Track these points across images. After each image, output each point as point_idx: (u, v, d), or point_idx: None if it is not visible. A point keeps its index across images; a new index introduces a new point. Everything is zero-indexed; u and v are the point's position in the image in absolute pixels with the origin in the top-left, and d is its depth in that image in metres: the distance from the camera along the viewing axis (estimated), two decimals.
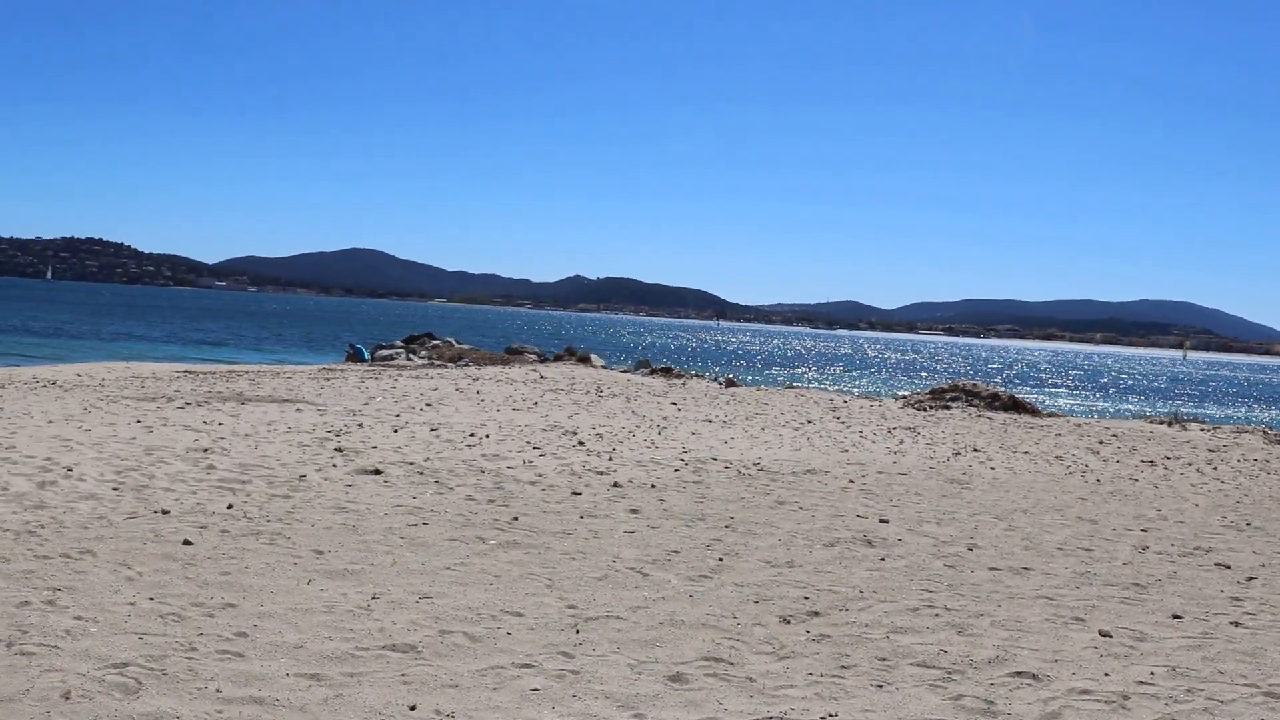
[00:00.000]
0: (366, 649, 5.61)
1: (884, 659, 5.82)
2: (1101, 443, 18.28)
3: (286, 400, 17.45)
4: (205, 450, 11.48)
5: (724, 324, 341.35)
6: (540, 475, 11.31)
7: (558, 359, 36.30)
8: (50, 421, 13.08)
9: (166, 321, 78.30)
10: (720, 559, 8.05)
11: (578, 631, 6.08)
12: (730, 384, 30.00)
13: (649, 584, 7.23)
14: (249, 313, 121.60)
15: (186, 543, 7.59)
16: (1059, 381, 70.79)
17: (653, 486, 11.07)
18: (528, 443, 13.59)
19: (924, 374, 64.86)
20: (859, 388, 42.02)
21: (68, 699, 4.74)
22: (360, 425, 14.34)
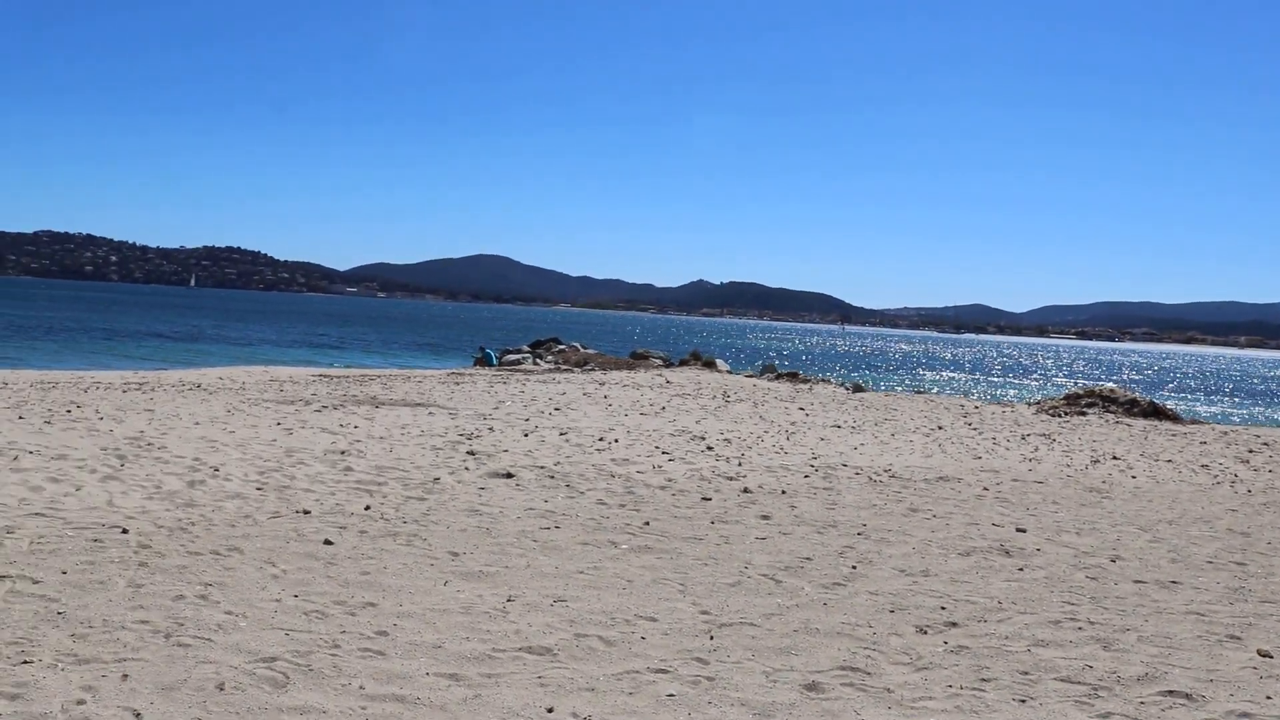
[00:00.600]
0: (503, 650, 5.67)
1: (1026, 673, 5.66)
2: (1251, 451, 17.51)
3: (419, 404, 17.81)
4: (342, 452, 11.79)
5: (849, 328, 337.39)
6: (670, 480, 11.32)
7: (683, 364, 36.34)
8: (197, 423, 13.59)
9: (299, 326, 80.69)
10: (853, 567, 7.93)
11: (712, 638, 6.05)
12: (857, 389, 29.64)
13: (782, 591, 7.17)
14: (378, 318, 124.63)
15: (327, 542, 7.78)
16: (1201, 386, 68.14)
17: (783, 492, 10.98)
18: (656, 447, 13.62)
19: (1058, 379, 63.11)
20: (989, 393, 41.09)
21: (222, 690, 4.90)
22: (491, 429, 14.55)
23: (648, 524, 9.08)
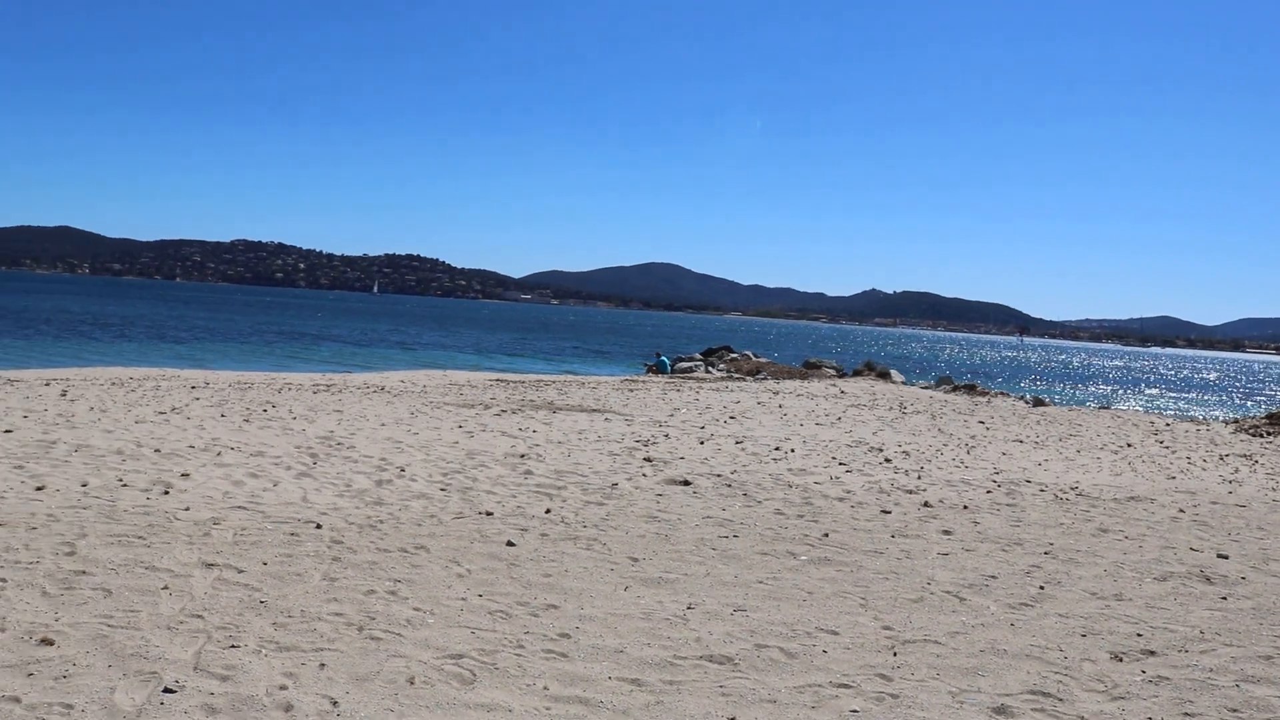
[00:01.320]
0: (684, 658, 5.67)
1: (1234, 709, 5.34)
2: None
3: (595, 410, 18.05)
4: (522, 456, 12.02)
5: (1028, 340, 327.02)
6: (848, 492, 11.16)
7: (857, 374, 35.87)
8: (383, 425, 14.08)
9: (474, 332, 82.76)
10: (1041, 587, 7.65)
11: (895, 654, 5.92)
12: (1038, 403, 28.70)
13: (966, 609, 6.96)
14: (549, 324, 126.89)
15: (509, 544, 7.94)
16: None
17: (964, 508, 10.69)
18: (833, 458, 13.46)
19: (1258, 396, 59.67)
20: (1181, 410, 39.17)
21: (412, 684, 5.04)
22: (666, 436, 14.63)
23: (826, 536, 8.96)
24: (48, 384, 17.62)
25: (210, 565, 6.84)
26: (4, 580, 6.26)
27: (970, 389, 31.92)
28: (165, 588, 6.29)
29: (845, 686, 5.34)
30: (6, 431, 11.59)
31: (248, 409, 15.04)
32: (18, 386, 16.81)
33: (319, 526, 8.06)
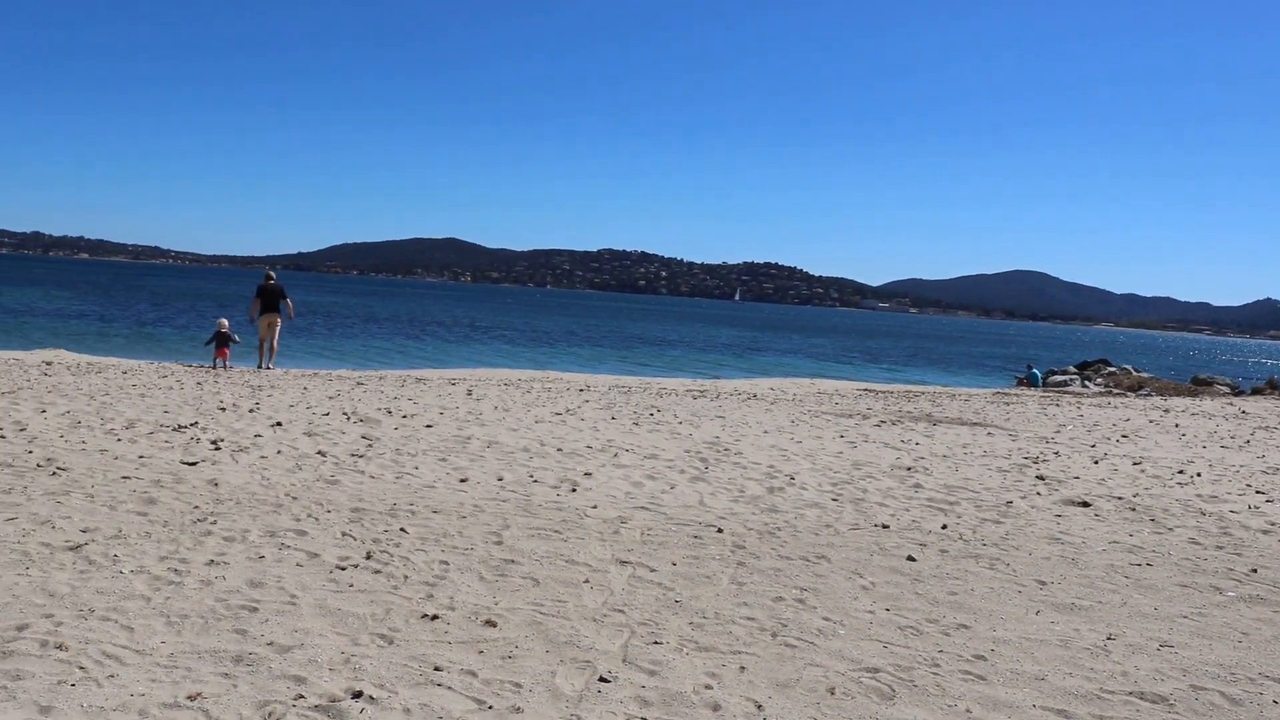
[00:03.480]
0: (1112, 692, 5.35)
1: None
2: None
3: (975, 423, 17.50)
4: (908, 469, 11.83)
5: None
6: (1272, 524, 10.15)
7: (1257, 392, 32.81)
8: (765, 432, 14.28)
9: (832, 340, 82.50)
10: None
11: None
12: None
13: None
14: (906, 334, 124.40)
15: (910, 559, 7.81)
16: None
17: None
18: (1248, 485, 12.31)
19: None
20: None
21: (832, 694, 5.04)
22: (1056, 454, 13.94)
23: (1254, 571, 8.20)
24: (453, 384, 19.18)
25: (624, 562, 7.16)
26: (447, 563, 6.85)
27: None
28: (586, 581, 6.65)
29: None
30: (428, 426, 12.71)
31: (635, 412, 15.70)
32: (429, 385, 18.40)
33: (720, 531, 8.26)
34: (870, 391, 25.72)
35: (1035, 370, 36.74)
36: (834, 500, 9.84)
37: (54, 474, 8.91)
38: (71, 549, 6.74)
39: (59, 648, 5.03)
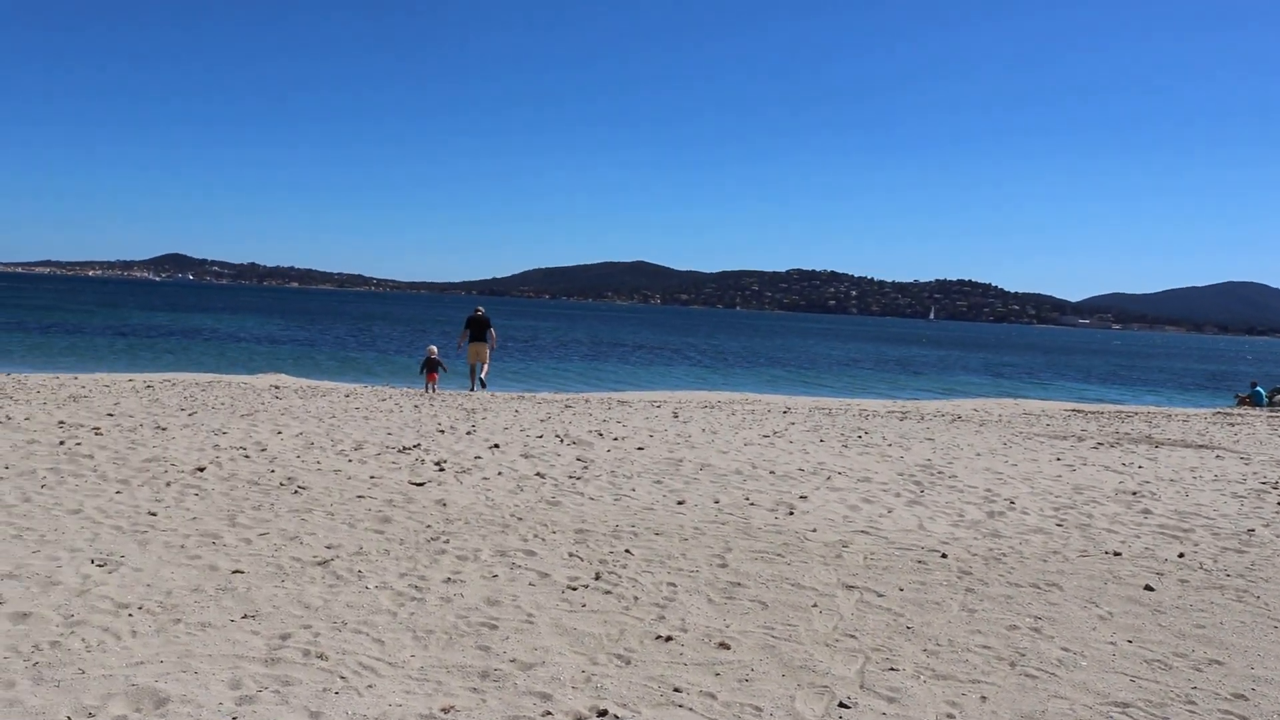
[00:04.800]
0: None
1: None
2: None
3: (1201, 446, 16.65)
4: (1133, 493, 11.35)
5: None
6: None
7: None
8: (978, 454, 13.95)
9: (1021, 357, 79.74)
10: None
11: None
12: None
13: None
14: (1102, 351, 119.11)
15: (1148, 588, 7.49)
16: None
17: None
18: None
19: None
20: None
21: None
22: None
23: None
24: (657, 406, 19.42)
25: (850, 587, 7.12)
26: (674, 585, 6.95)
27: None
28: (814, 605, 6.63)
29: None
30: (639, 449, 12.92)
31: (842, 434, 15.57)
32: (633, 408, 18.69)
33: (944, 556, 8.11)
34: (1079, 412, 24.78)
35: (1259, 389, 34.64)
36: (1058, 526, 9.53)
37: (295, 492, 9.44)
38: (319, 564, 7.13)
39: (319, 657, 5.33)
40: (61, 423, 13.12)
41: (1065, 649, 6.02)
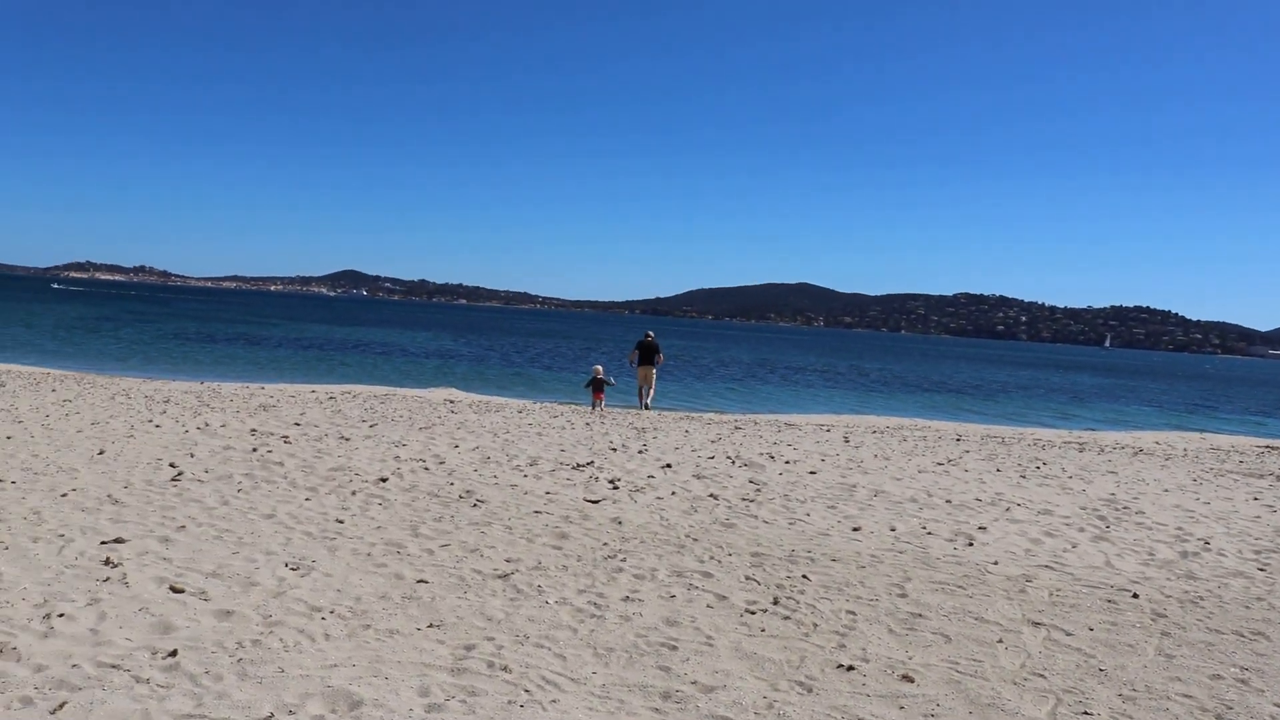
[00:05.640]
0: None
1: None
2: None
3: None
4: None
5: None
6: None
7: None
8: (1165, 490, 13.35)
9: (1194, 388, 75.92)
10: None
11: None
12: None
13: None
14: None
15: None
16: None
17: None
18: None
19: None
20: None
21: None
22: None
23: None
24: (826, 430, 19.22)
25: (1036, 624, 6.88)
26: (854, 613, 6.84)
27: None
28: (1000, 641, 6.43)
29: None
30: (811, 473, 12.80)
31: (1019, 464, 15.12)
32: (802, 431, 18.54)
33: (1135, 596, 7.77)
34: (1273, 449, 23.46)
35: None
36: (1260, 570, 9.01)
37: (474, 505, 9.66)
38: (500, 577, 7.27)
39: (504, 669, 5.43)
40: (253, 430, 13.76)
41: (1278, 704, 5.69)
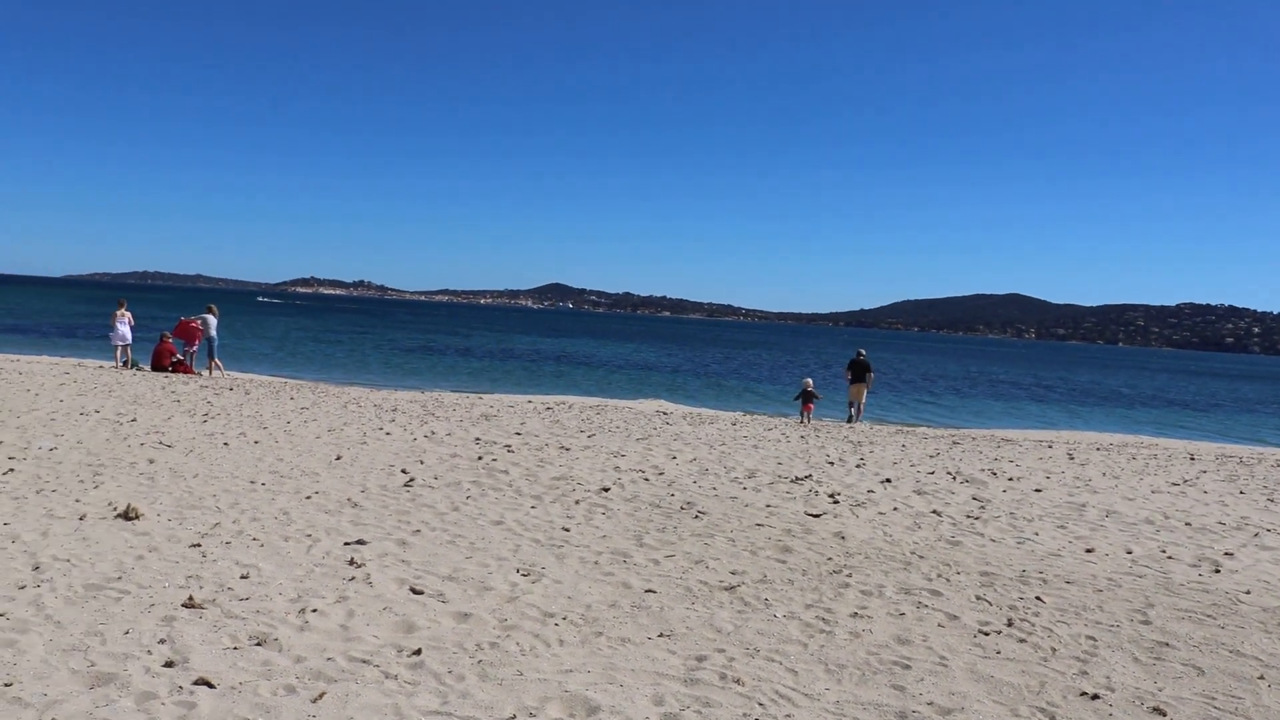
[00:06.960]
0: None
1: None
2: None
3: None
4: None
5: None
6: None
7: None
8: None
9: None
10: None
11: None
12: None
13: None
14: None
15: None
16: None
17: None
18: None
19: None
20: None
21: None
22: None
23: None
24: (1048, 446, 18.54)
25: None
26: (1094, 639, 6.57)
27: None
28: (1261, 677, 6.06)
29: None
30: (1037, 490, 12.38)
31: (1265, 486, 14.20)
32: (1021, 447, 17.91)
33: None
34: None
35: None
36: None
37: (696, 517, 9.74)
38: (726, 589, 7.30)
39: (736, 682, 5.45)
40: (477, 439, 14.25)
41: None
